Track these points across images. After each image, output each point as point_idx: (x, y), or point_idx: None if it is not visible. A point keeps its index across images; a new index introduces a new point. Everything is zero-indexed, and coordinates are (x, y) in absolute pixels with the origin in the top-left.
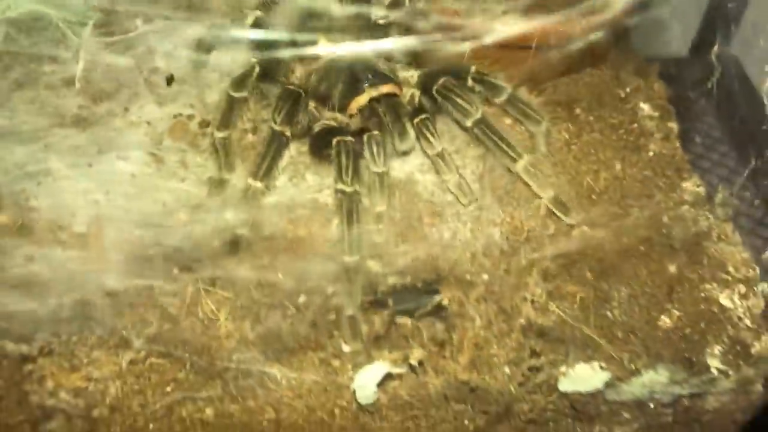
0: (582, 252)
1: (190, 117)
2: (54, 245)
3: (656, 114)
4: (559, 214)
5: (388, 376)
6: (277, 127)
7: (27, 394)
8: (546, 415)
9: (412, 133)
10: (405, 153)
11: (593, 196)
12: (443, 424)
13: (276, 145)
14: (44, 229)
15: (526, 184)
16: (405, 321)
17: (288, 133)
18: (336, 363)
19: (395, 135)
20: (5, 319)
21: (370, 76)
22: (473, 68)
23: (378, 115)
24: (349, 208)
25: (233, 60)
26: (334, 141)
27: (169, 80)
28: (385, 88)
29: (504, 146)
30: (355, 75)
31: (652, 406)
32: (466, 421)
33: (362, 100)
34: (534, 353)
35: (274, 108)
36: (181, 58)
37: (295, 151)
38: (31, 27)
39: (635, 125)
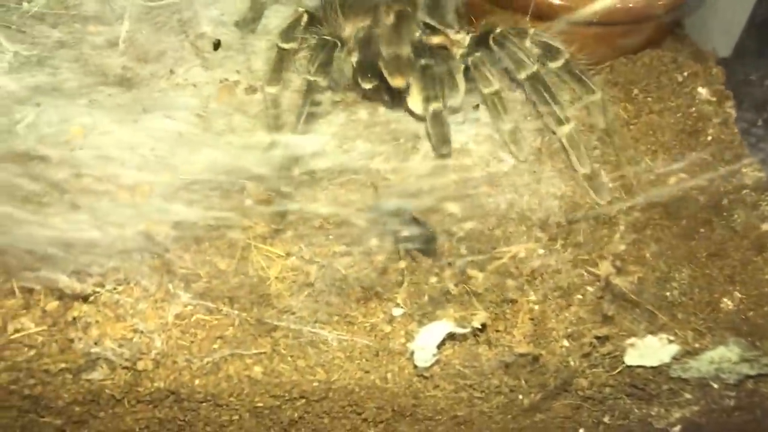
0: (642, 232)
1: (237, 82)
2: (102, 195)
3: (714, 99)
4: (591, 191)
5: (450, 337)
6: (311, 78)
7: (71, 341)
8: (604, 392)
9: (462, 85)
10: (454, 110)
11: (652, 177)
12: (497, 397)
13: (311, 95)
14: (92, 179)
15: (566, 152)
16: (476, 274)
17: (322, 83)
18: (388, 328)
19: (444, 87)
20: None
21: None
22: (532, 29)
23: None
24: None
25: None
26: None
27: (216, 45)
28: (437, 39)
29: (554, 106)
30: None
31: (715, 386)
32: (520, 396)
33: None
34: (606, 318)
35: (309, 58)
36: (227, 24)
37: (345, 119)
38: None
39: (693, 109)
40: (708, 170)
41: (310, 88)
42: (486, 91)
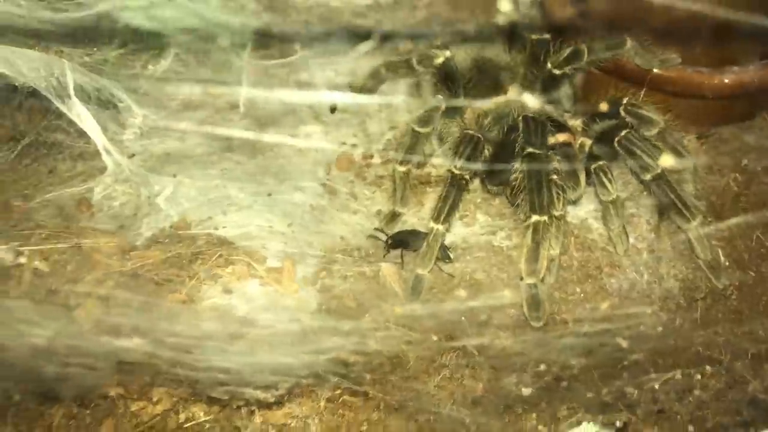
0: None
1: (354, 146)
2: (250, 278)
3: None
4: (710, 276)
5: None
6: (456, 171)
7: (238, 429)
8: None
9: (583, 182)
10: (574, 203)
11: (762, 250)
12: None
13: (456, 188)
14: (241, 263)
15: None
16: (632, 390)
17: (467, 177)
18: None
19: (568, 183)
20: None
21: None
22: (626, 99)
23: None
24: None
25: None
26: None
27: (333, 109)
28: (562, 137)
29: (679, 204)
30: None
31: None
32: None
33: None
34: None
35: (455, 152)
36: (341, 87)
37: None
38: (198, 49)
39: None
40: None
41: (455, 182)
42: (605, 199)
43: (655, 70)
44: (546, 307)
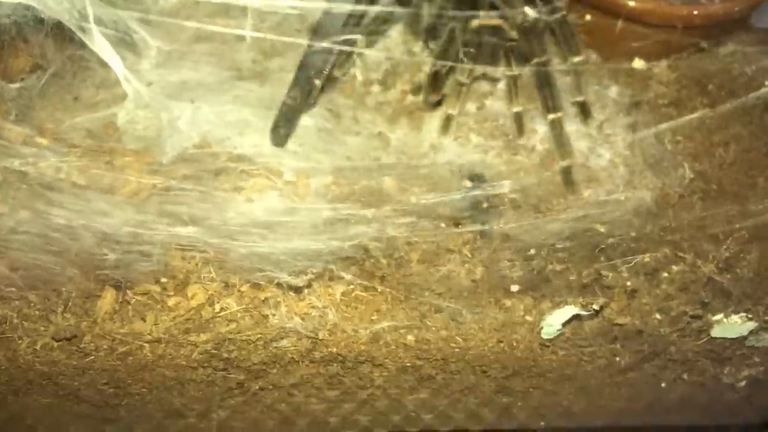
0: (714, 219)
1: (354, 77)
2: (269, 190)
3: None
4: (564, 182)
5: (574, 317)
6: None
7: (266, 316)
8: (689, 356)
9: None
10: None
11: (724, 166)
12: (599, 360)
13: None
14: (260, 176)
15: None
16: (609, 273)
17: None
18: (515, 304)
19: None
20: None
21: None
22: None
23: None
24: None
25: None
26: None
27: None
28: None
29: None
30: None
31: None
32: (617, 358)
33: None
34: (703, 304)
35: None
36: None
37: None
38: None
39: (761, 101)
40: None
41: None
42: (508, 74)
43: (631, 3)
44: None
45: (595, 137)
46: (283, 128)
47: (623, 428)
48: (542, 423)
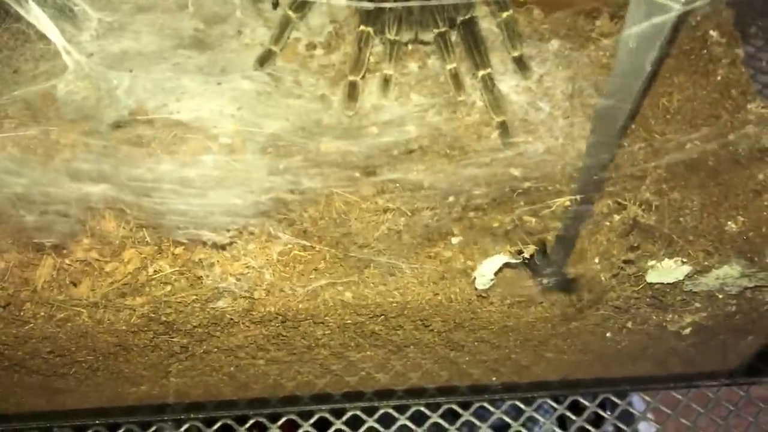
0: (657, 165)
1: (297, 39)
2: (204, 153)
3: (724, 40)
4: (500, 135)
5: (505, 266)
6: None
7: (200, 278)
8: (629, 303)
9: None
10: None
11: (668, 116)
12: (538, 308)
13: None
14: (195, 141)
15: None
16: (530, 219)
17: None
18: (451, 254)
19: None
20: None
21: None
22: None
23: None
24: None
25: None
26: None
27: (275, 4)
28: None
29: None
30: None
31: (720, 296)
32: (557, 310)
33: None
34: (632, 248)
35: None
36: None
37: (398, 73)
38: None
39: (705, 51)
40: (717, 107)
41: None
42: (435, 31)
43: None
44: None
45: (534, 91)
46: None
47: (579, 382)
48: (494, 378)
